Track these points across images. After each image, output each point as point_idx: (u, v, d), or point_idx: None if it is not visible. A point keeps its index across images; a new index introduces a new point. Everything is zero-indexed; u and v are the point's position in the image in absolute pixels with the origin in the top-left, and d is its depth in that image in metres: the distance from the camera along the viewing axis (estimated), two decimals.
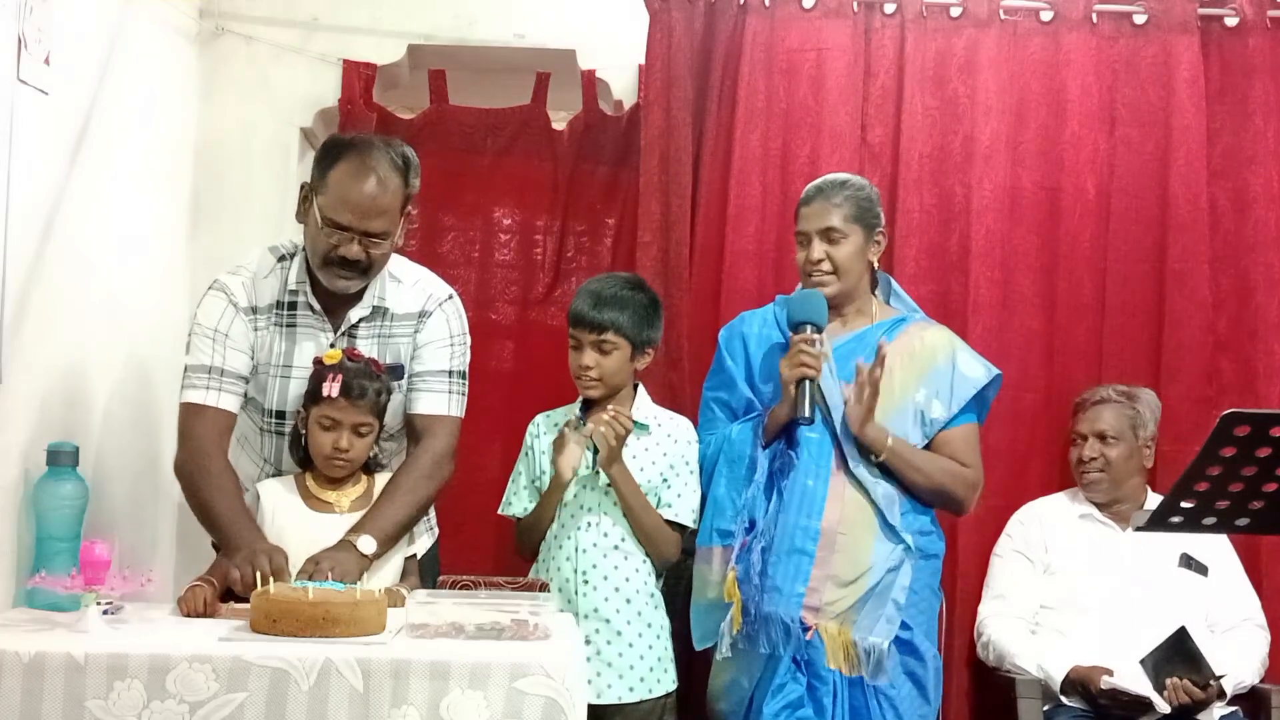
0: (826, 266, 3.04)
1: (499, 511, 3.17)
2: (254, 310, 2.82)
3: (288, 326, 2.83)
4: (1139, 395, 3.48)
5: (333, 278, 2.76)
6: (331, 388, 2.71)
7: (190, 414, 2.78)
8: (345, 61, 3.79)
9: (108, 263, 3.11)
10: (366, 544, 2.65)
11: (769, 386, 3.06)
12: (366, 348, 2.82)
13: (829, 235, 3.04)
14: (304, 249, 2.83)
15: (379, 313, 2.85)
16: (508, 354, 3.86)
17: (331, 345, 2.81)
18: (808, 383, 2.89)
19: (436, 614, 2.37)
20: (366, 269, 2.76)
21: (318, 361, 2.78)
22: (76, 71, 2.88)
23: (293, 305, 2.83)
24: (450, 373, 2.90)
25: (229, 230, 3.55)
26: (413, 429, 2.88)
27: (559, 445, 3.02)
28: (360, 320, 2.84)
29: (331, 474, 2.77)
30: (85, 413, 2.96)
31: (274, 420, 2.87)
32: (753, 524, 2.94)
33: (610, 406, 3.01)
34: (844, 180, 3.13)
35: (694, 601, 3.06)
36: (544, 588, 2.77)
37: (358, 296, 2.83)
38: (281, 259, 2.86)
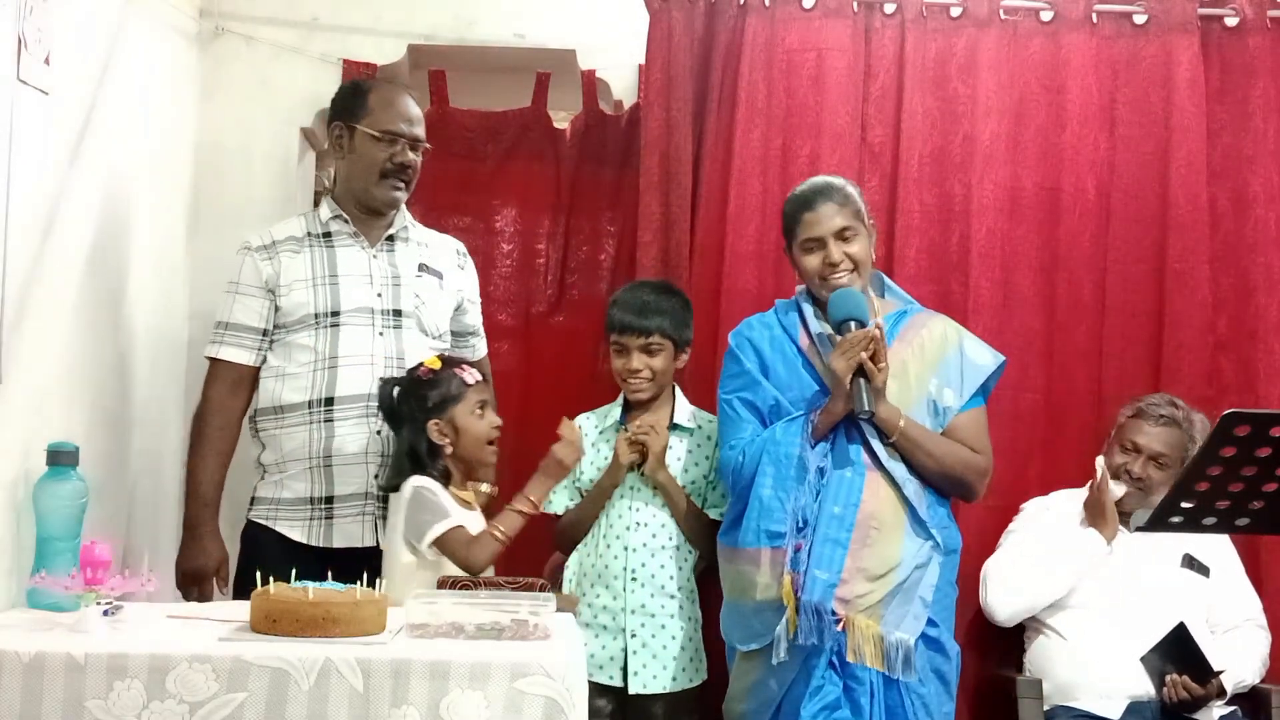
0: (848, 265, 3.03)
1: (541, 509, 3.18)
2: (269, 246, 3.10)
3: (326, 248, 3.12)
4: (1194, 420, 3.41)
5: (387, 190, 3.11)
6: (472, 373, 2.94)
7: (209, 369, 3.12)
8: (345, 61, 3.80)
9: (108, 263, 3.11)
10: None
11: (790, 394, 3.05)
12: (406, 258, 3.16)
13: (843, 234, 3.03)
14: (330, 195, 3.19)
15: (406, 234, 3.19)
16: (510, 355, 3.85)
17: (374, 257, 3.12)
18: (863, 378, 2.89)
19: (436, 614, 2.37)
20: (410, 180, 3.14)
21: (428, 372, 2.93)
22: (76, 71, 2.87)
23: (326, 235, 3.13)
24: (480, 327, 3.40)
25: (229, 230, 3.53)
26: None
27: (621, 444, 3.16)
28: (392, 236, 3.16)
29: (492, 458, 2.95)
30: (85, 413, 2.96)
31: (329, 318, 3.06)
32: (804, 525, 2.91)
33: (643, 423, 3.17)
34: (831, 181, 3.12)
35: (733, 602, 3.04)
36: (544, 588, 2.76)
37: (386, 225, 3.17)
38: (301, 215, 3.22)
